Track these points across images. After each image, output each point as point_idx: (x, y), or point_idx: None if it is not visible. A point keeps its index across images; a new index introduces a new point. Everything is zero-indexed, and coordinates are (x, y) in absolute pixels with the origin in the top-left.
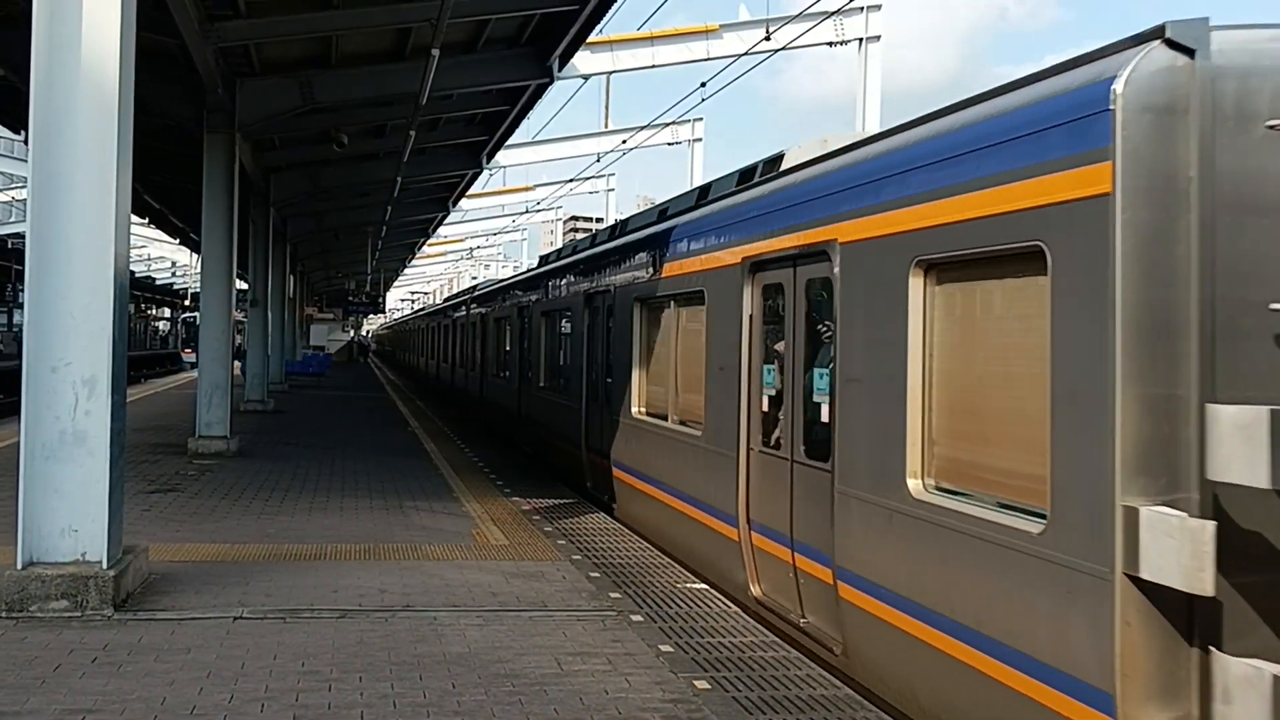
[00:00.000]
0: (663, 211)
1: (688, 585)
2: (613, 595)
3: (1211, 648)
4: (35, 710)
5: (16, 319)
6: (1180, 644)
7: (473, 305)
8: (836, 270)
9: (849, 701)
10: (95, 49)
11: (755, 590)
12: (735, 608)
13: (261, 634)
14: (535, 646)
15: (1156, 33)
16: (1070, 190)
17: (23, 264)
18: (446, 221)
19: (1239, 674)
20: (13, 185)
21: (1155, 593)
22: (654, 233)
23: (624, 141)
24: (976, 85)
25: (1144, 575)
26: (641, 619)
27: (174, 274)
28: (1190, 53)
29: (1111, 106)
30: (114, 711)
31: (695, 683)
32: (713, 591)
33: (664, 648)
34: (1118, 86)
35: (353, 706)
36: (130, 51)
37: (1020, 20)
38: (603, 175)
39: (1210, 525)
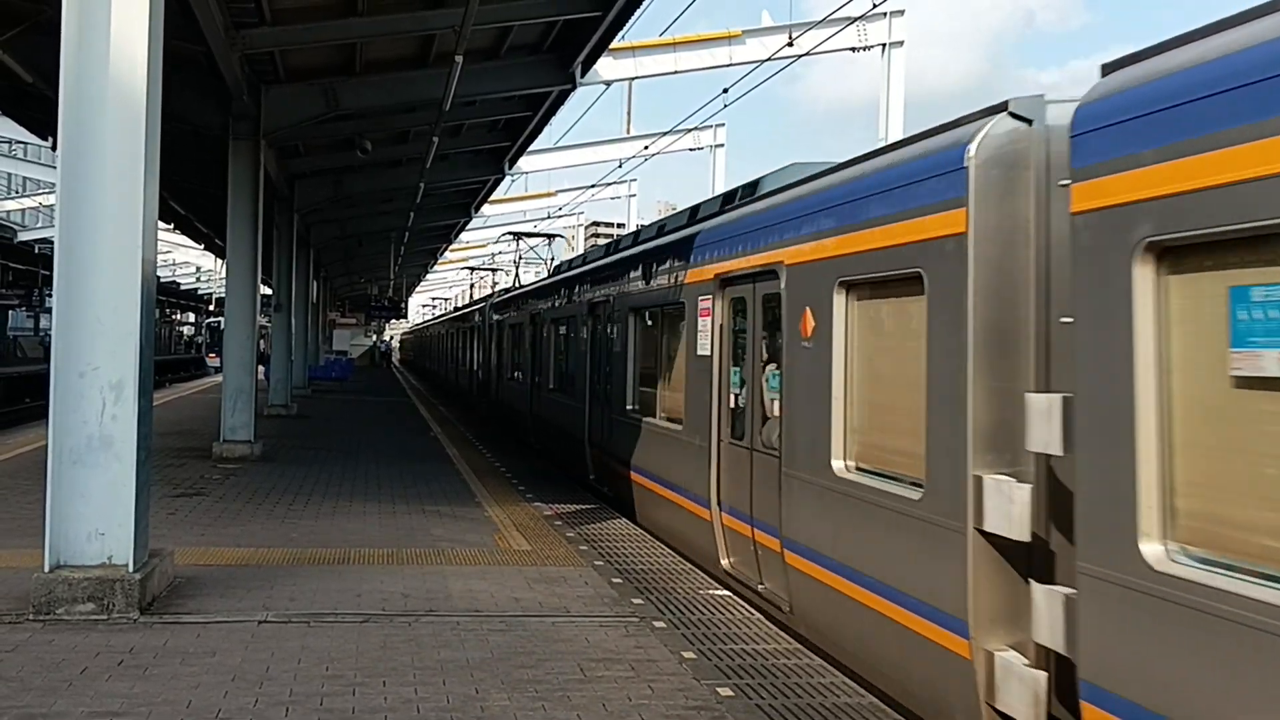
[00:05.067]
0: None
1: (710, 592)
2: (635, 601)
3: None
4: (62, 713)
5: (44, 324)
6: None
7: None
8: None
9: (872, 709)
10: (123, 56)
11: None
12: (759, 614)
13: (286, 638)
14: (558, 652)
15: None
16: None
17: (50, 269)
18: (468, 227)
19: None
20: (40, 191)
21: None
22: None
23: (646, 147)
24: (1002, 87)
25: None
26: (664, 625)
27: (198, 279)
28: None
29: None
30: (140, 714)
31: (719, 690)
32: (736, 599)
33: (687, 654)
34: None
35: (376, 711)
36: (158, 59)
37: (1048, 24)
38: (624, 181)
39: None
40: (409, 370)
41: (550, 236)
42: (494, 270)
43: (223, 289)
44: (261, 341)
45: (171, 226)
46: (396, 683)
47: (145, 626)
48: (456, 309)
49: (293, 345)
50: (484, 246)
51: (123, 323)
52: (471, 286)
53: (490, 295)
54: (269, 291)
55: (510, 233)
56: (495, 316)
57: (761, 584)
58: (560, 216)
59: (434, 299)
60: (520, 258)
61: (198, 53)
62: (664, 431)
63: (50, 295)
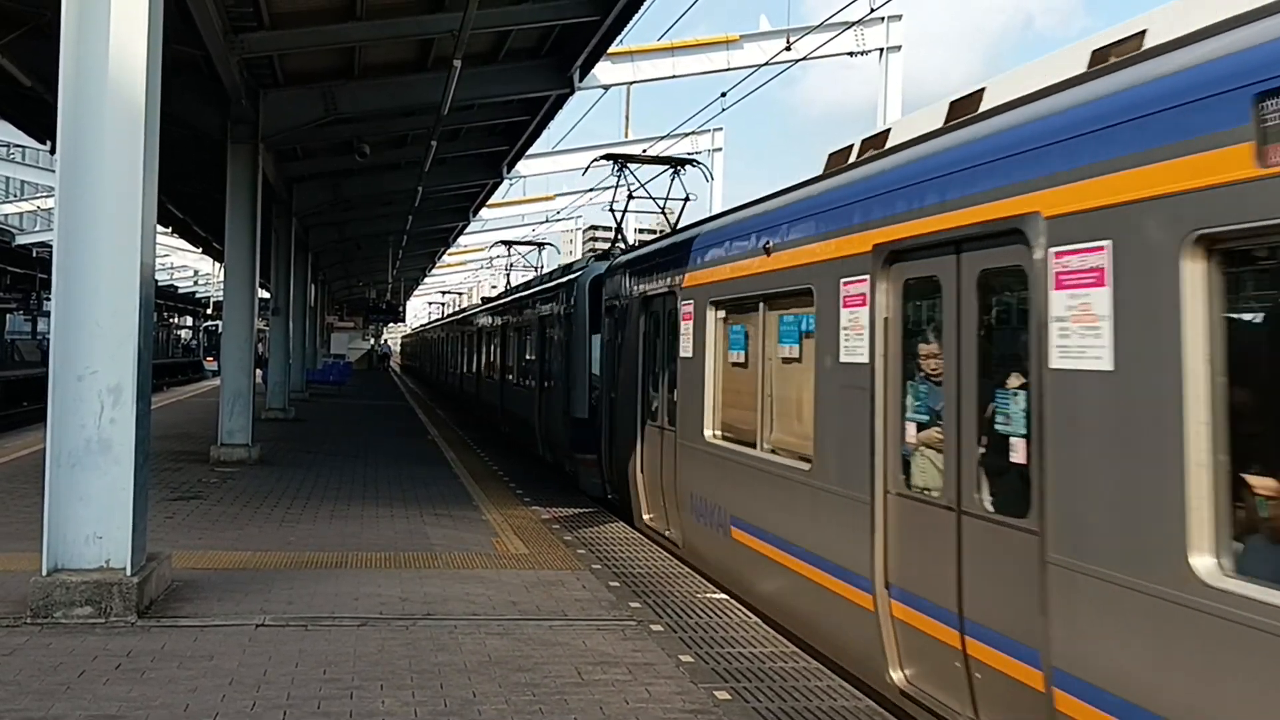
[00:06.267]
0: None
1: (707, 595)
2: (632, 605)
3: None
4: (59, 716)
5: (41, 327)
6: None
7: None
8: None
9: (869, 713)
10: (123, 61)
11: None
12: (755, 618)
13: (283, 641)
14: (555, 656)
15: None
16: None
17: (48, 273)
18: (467, 231)
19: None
20: (38, 194)
21: None
22: None
23: (644, 151)
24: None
25: None
26: (661, 629)
27: (196, 283)
28: None
29: None
30: (137, 718)
31: (716, 693)
32: (732, 601)
33: (684, 658)
34: None
35: (374, 715)
36: (157, 63)
37: (1048, 28)
38: (622, 185)
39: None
40: (414, 379)
41: (679, 162)
42: (540, 246)
43: (220, 293)
44: (259, 345)
45: (170, 230)
46: (394, 686)
47: (143, 630)
48: (488, 299)
49: (290, 349)
50: (481, 250)
51: (121, 326)
52: (509, 268)
53: (614, 252)
54: (267, 295)
55: (608, 156)
56: (639, 284)
57: (668, 530)
58: (558, 220)
59: (444, 294)
60: (630, 196)
61: (197, 56)
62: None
63: (48, 299)
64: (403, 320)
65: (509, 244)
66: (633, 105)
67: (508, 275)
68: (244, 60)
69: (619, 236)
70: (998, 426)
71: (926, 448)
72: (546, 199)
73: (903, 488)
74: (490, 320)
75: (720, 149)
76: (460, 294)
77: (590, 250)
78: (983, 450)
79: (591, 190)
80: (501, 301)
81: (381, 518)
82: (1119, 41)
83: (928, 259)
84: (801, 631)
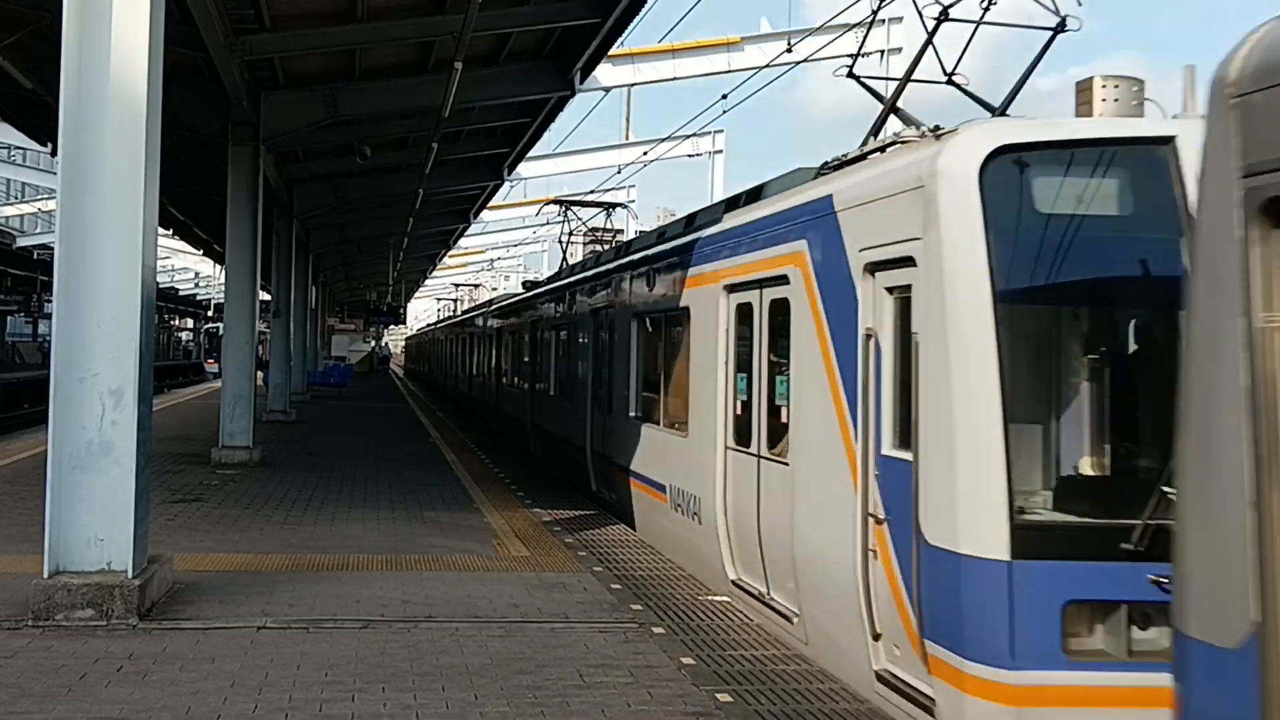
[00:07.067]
0: None
1: (709, 598)
2: (634, 607)
3: None
4: (61, 718)
5: (43, 329)
6: None
7: None
8: None
9: (870, 715)
10: (124, 63)
11: None
12: (756, 620)
13: (285, 644)
14: (557, 658)
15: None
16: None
17: (50, 275)
18: (468, 233)
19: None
20: (39, 196)
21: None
22: None
23: (645, 153)
24: (1001, 92)
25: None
26: (663, 631)
27: (197, 285)
28: None
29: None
30: None
31: (717, 695)
32: (733, 604)
33: (686, 660)
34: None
35: (376, 717)
36: (159, 66)
37: (1048, 30)
38: (623, 187)
39: None
40: (420, 386)
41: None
42: (610, 207)
43: (222, 294)
44: (260, 347)
45: (171, 232)
46: (395, 689)
47: (144, 632)
48: (532, 283)
49: (291, 351)
50: (483, 252)
51: (123, 329)
52: (567, 239)
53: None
54: (268, 297)
55: None
56: None
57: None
58: (559, 222)
59: (457, 286)
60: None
61: (198, 59)
62: None
63: (48, 301)
64: (403, 323)
65: (565, 203)
66: (634, 107)
67: (564, 249)
68: (245, 62)
69: (894, 106)
70: None
71: None
72: (548, 201)
73: None
74: (563, 305)
75: (721, 151)
76: (477, 285)
77: (591, 253)
78: None
79: (592, 192)
80: (602, 269)
81: (383, 520)
82: None
83: None
84: None
